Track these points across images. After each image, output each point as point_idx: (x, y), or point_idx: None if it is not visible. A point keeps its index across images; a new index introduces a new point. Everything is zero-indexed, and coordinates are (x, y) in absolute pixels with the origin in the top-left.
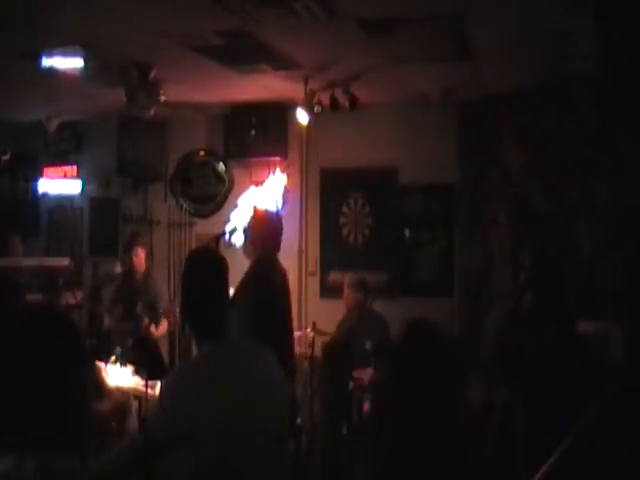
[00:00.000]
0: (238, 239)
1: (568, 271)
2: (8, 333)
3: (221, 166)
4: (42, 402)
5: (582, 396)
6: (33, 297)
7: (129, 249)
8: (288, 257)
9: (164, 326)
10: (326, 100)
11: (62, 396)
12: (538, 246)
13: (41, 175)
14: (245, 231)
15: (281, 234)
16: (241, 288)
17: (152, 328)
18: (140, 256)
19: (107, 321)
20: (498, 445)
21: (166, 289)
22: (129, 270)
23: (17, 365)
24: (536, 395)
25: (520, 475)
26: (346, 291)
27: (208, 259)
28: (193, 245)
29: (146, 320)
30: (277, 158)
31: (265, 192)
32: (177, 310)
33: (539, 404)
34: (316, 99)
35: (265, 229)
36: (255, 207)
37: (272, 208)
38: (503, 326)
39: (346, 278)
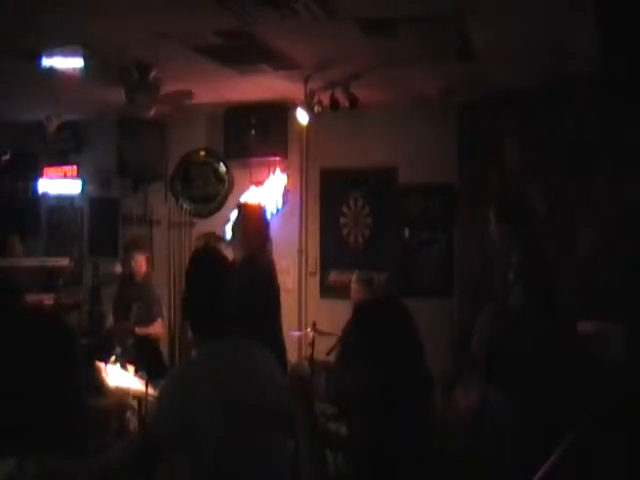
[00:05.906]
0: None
1: (565, 270)
2: (5, 335)
3: (221, 166)
4: (41, 404)
5: (572, 394)
6: (35, 297)
7: (128, 254)
8: (288, 257)
9: (156, 326)
10: (326, 100)
11: (61, 398)
12: (524, 244)
13: (41, 175)
14: (233, 229)
15: (269, 226)
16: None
17: (137, 329)
18: (138, 262)
19: (109, 321)
20: (492, 446)
21: (166, 295)
22: (128, 274)
23: (14, 368)
24: (524, 394)
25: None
26: (354, 287)
27: (211, 259)
28: (193, 245)
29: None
30: (277, 158)
31: (265, 192)
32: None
33: (527, 404)
34: (316, 99)
35: (254, 224)
36: (242, 204)
37: (261, 203)
38: (491, 325)
39: (353, 275)
